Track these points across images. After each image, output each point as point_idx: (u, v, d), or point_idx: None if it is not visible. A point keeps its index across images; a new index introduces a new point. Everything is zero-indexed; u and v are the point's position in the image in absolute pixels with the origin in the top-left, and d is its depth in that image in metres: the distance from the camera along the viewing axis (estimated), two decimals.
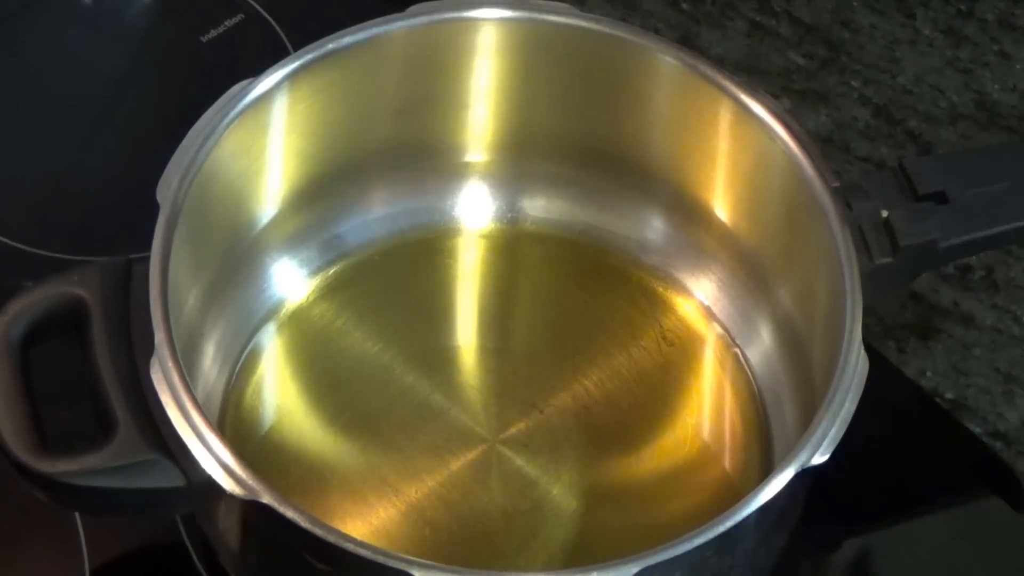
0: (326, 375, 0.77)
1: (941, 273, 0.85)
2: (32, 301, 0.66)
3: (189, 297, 0.70)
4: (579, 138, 0.80)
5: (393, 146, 0.80)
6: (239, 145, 0.72)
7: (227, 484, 0.61)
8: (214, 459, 0.61)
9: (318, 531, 0.60)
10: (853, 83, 0.94)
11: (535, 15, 0.76)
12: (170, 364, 0.63)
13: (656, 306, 0.80)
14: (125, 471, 0.62)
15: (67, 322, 0.66)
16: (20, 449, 0.62)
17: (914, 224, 0.70)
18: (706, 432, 0.76)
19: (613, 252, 0.81)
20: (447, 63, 0.78)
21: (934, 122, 0.93)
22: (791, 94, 0.94)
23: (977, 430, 0.80)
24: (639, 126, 0.79)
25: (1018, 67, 0.96)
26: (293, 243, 0.79)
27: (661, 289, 0.80)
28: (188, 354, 0.68)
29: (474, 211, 0.83)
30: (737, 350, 0.78)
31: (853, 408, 0.64)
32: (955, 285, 0.85)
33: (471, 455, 0.74)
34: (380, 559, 0.59)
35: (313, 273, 0.80)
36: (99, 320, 0.65)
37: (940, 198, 0.71)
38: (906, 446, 0.79)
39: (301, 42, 0.74)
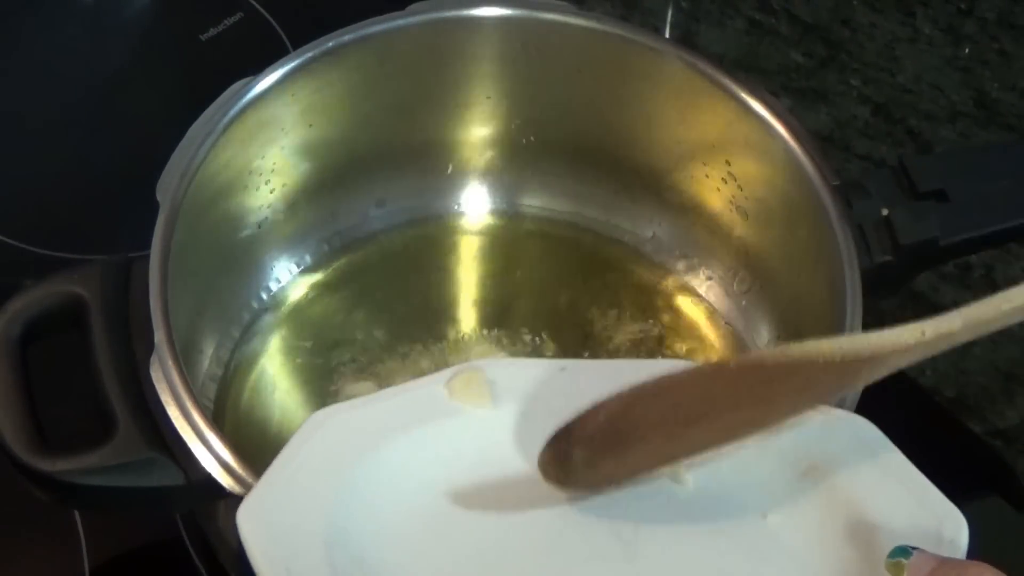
0: (326, 372, 0.77)
1: (941, 271, 0.85)
2: (32, 299, 0.66)
3: (189, 295, 0.70)
4: (579, 136, 0.80)
5: (393, 144, 0.80)
6: (239, 143, 0.72)
7: (227, 482, 0.61)
8: (213, 457, 0.61)
9: None
10: (853, 81, 0.94)
11: (535, 14, 0.76)
12: (170, 362, 0.63)
13: (657, 304, 0.80)
14: (125, 469, 0.62)
15: (67, 320, 0.66)
16: (20, 448, 0.62)
17: (914, 222, 0.70)
18: None
19: (613, 249, 0.81)
20: (447, 61, 0.78)
21: (934, 120, 0.93)
22: (791, 92, 0.94)
23: (977, 428, 0.80)
24: (639, 124, 0.79)
25: (1018, 65, 0.96)
26: (293, 241, 0.79)
27: (662, 287, 0.80)
28: (188, 352, 0.68)
29: (474, 208, 0.83)
30: (738, 348, 0.78)
31: (853, 407, 0.64)
32: (955, 283, 0.85)
33: None
34: None
35: (313, 270, 0.80)
36: (99, 319, 0.65)
37: (940, 196, 0.71)
38: (906, 444, 0.78)
39: (301, 40, 0.74)
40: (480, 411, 0.61)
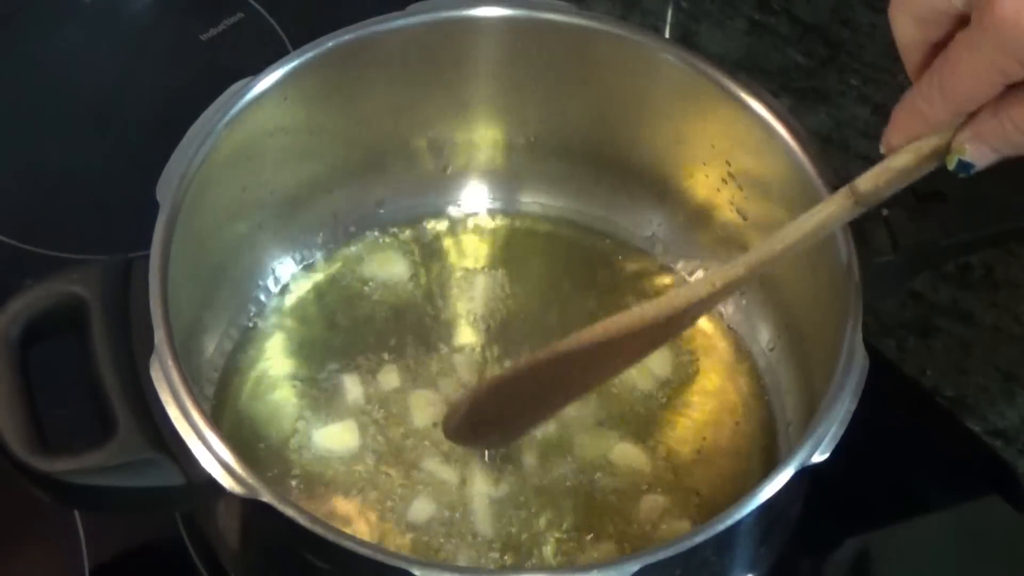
0: (325, 372, 0.77)
1: (941, 271, 0.85)
2: (32, 300, 0.66)
3: (188, 295, 0.70)
4: (579, 135, 0.80)
5: (393, 144, 0.80)
6: (238, 144, 0.72)
7: (226, 482, 0.61)
8: (213, 457, 0.61)
9: (318, 529, 0.60)
10: (853, 81, 0.94)
11: (534, 13, 0.76)
12: (170, 362, 0.63)
13: None
14: (125, 470, 0.62)
15: (67, 321, 0.66)
16: (20, 448, 0.62)
17: (914, 223, 0.70)
18: (708, 430, 0.76)
19: (615, 250, 0.82)
20: (446, 61, 0.78)
21: None
22: (791, 92, 0.94)
23: (977, 428, 0.80)
24: (639, 124, 0.79)
25: None
26: (292, 240, 0.79)
27: (663, 287, 0.80)
28: (187, 352, 0.69)
29: (474, 208, 0.83)
30: (738, 348, 0.78)
31: (853, 406, 0.64)
32: (955, 283, 0.85)
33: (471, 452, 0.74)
34: (380, 557, 0.59)
35: (312, 270, 0.80)
36: (99, 319, 0.65)
37: (939, 197, 0.71)
38: (906, 444, 0.79)
39: (300, 40, 0.75)
40: None
